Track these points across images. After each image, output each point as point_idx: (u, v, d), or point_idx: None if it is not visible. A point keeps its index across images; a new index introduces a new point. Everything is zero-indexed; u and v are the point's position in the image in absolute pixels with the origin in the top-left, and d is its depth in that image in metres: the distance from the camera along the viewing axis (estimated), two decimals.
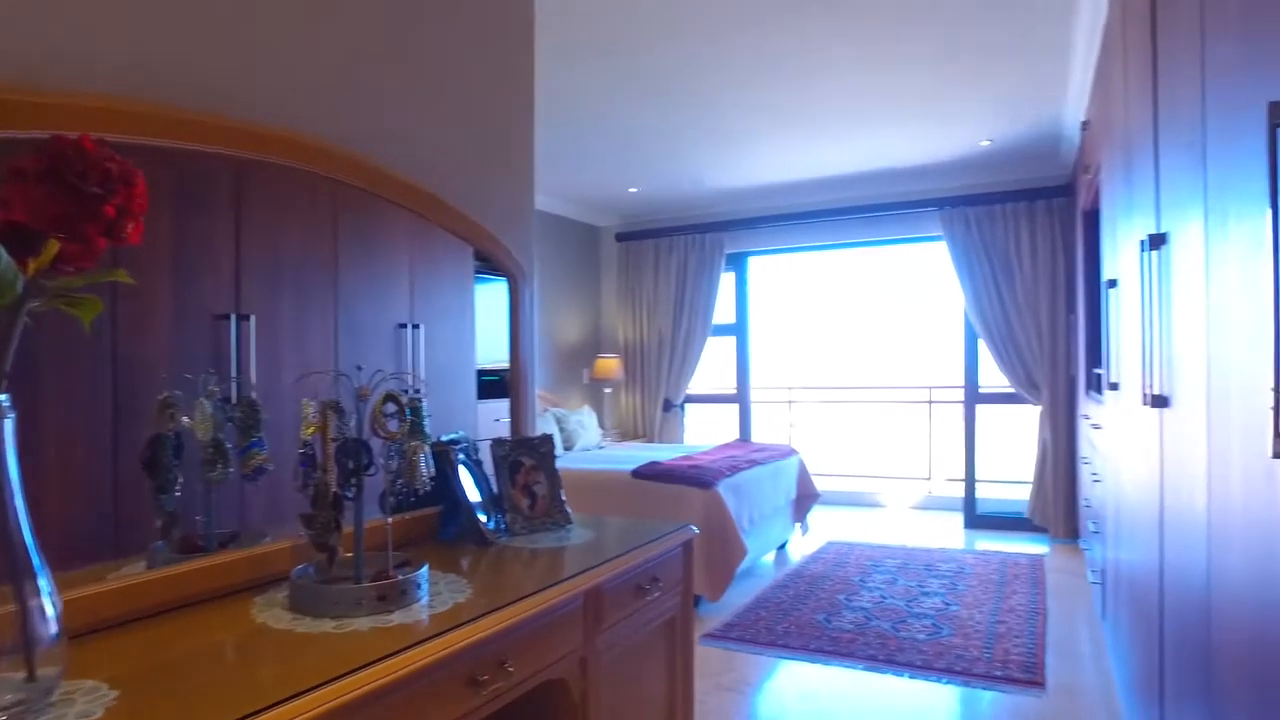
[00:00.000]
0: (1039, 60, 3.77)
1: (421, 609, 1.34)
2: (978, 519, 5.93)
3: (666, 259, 6.76)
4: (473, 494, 1.98)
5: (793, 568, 4.84)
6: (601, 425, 6.78)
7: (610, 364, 6.66)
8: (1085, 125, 3.96)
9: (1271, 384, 0.84)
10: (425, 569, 1.43)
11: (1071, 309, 5.25)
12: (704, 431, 8.00)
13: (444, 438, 2.04)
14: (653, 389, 6.81)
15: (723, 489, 4.13)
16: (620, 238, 6.99)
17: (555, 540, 1.97)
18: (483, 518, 1.95)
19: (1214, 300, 1.20)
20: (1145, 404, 1.81)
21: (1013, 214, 5.55)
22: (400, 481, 1.46)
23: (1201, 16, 1.27)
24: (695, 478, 4.12)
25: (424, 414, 1.53)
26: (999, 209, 5.59)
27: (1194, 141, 1.37)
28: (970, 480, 5.94)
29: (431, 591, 1.44)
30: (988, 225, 5.63)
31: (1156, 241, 1.76)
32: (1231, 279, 1.13)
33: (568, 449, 5.55)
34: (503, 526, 2.00)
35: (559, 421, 5.59)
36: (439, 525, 1.96)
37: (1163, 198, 1.72)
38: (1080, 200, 4.50)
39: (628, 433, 6.92)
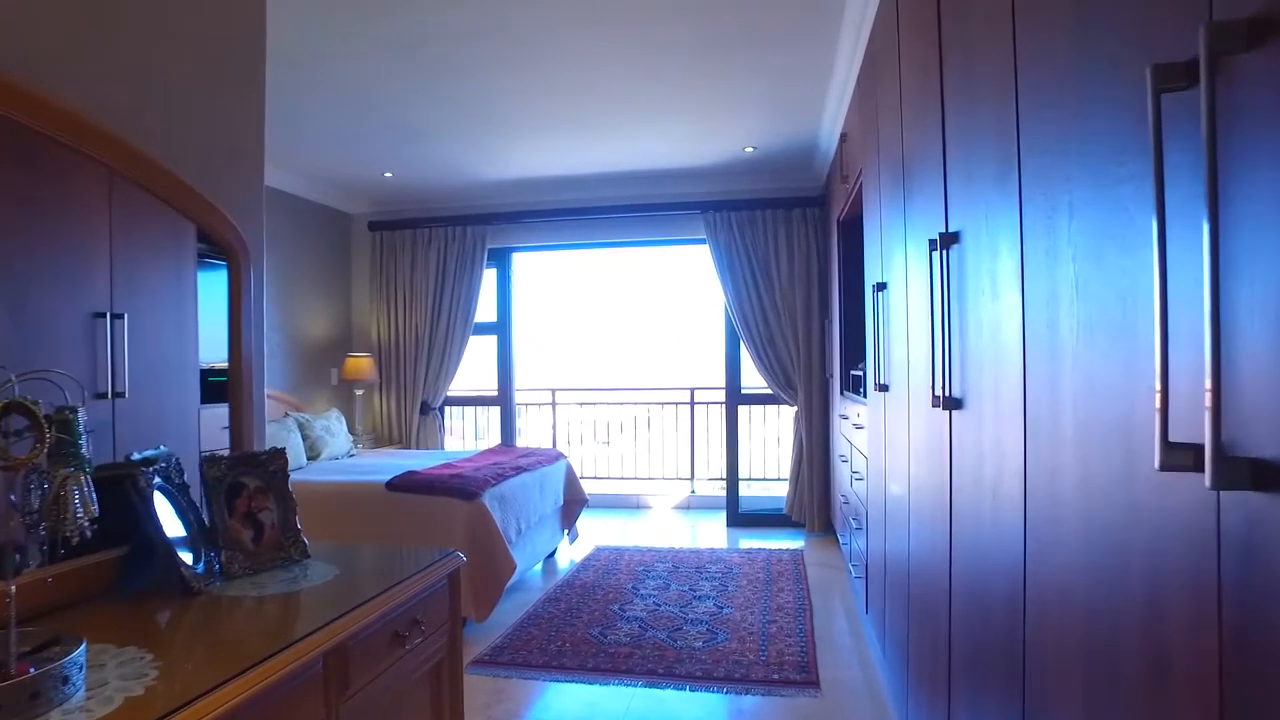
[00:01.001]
0: (801, 78, 3.84)
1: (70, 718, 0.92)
2: (740, 517, 6.06)
3: (425, 251, 6.27)
4: (173, 529, 1.52)
5: (563, 577, 4.62)
6: (353, 431, 6.16)
7: (362, 363, 6.05)
8: (844, 138, 4.11)
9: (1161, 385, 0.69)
10: (82, 650, 1.00)
11: (827, 314, 5.50)
12: (466, 436, 7.59)
13: (135, 456, 1.56)
14: (410, 391, 6.29)
15: (488, 500, 3.80)
16: (374, 226, 6.39)
17: (288, 582, 1.56)
18: (187, 558, 1.50)
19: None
20: (936, 406, 1.77)
21: (772, 220, 5.73)
22: (44, 526, 1.01)
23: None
24: (458, 488, 3.75)
25: (80, 431, 1.08)
26: (760, 215, 5.75)
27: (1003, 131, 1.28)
28: (732, 480, 6.06)
29: (93, 682, 1.00)
30: (749, 230, 5.77)
31: (947, 240, 1.72)
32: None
33: (312, 459, 4.92)
34: (217, 568, 1.56)
35: (302, 428, 4.94)
36: (122, 574, 1.48)
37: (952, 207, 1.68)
38: (836, 210, 4.69)
39: (382, 438, 6.35)
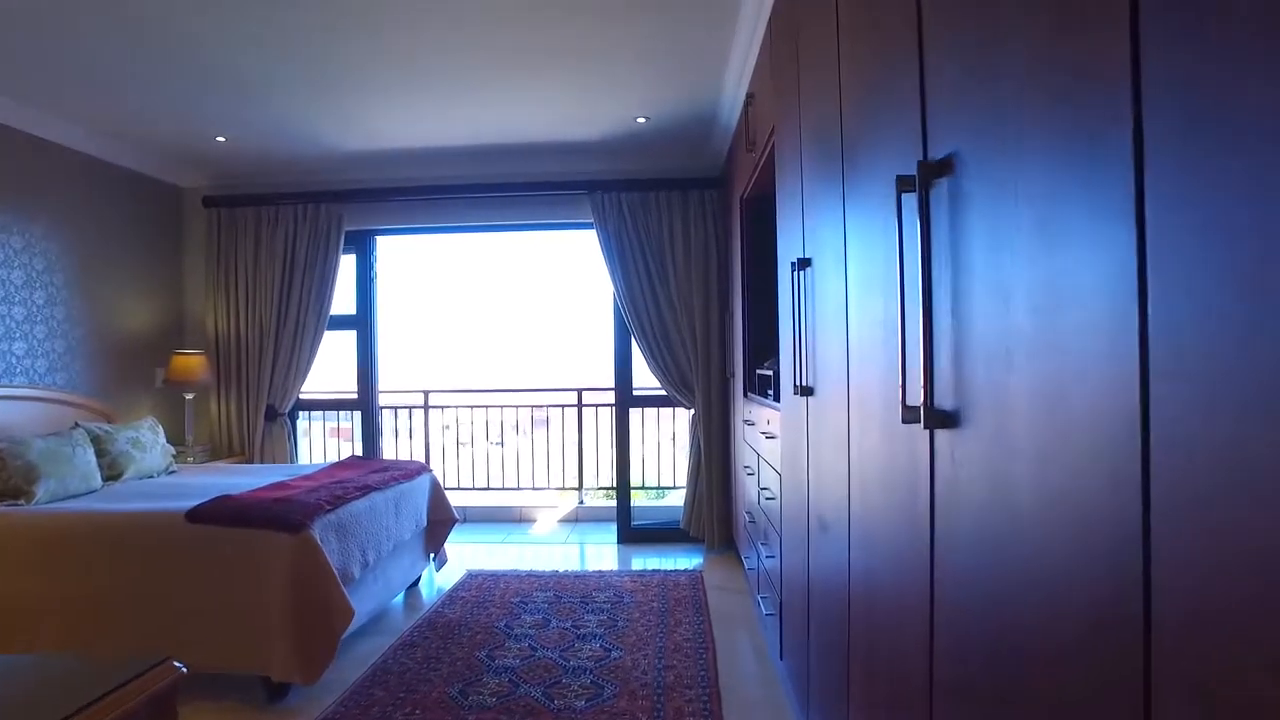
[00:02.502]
0: (700, 26, 3.28)
1: None
2: (633, 533, 5.47)
3: (271, 232, 5.40)
4: None
5: (425, 614, 3.91)
6: (181, 442, 5.23)
7: (191, 362, 5.14)
8: (750, 99, 3.58)
9: None
10: None
11: (728, 308, 4.98)
12: (324, 446, 6.72)
13: None
14: (252, 394, 5.41)
15: (320, 530, 3.06)
16: (209, 202, 5.47)
17: None
18: None
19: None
20: (911, 421, 1.22)
21: (667, 203, 5.17)
22: None
23: None
24: (279, 517, 3.00)
25: None
26: (653, 197, 5.18)
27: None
28: (623, 492, 5.47)
29: None
30: (641, 214, 5.19)
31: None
32: None
33: (113, 479, 4.03)
34: None
35: (97, 442, 4.03)
36: None
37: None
38: (739, 187, 4.17)
39: (220, 450, 5.44)
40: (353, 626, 3.38)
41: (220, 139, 4.77)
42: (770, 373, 3.28)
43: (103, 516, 3.17)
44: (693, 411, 5.21)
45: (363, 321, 5.68)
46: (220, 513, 3.05)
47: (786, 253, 2.57)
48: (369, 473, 4.06)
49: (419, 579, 4.48)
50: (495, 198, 5.42)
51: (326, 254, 5.38)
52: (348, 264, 5.63)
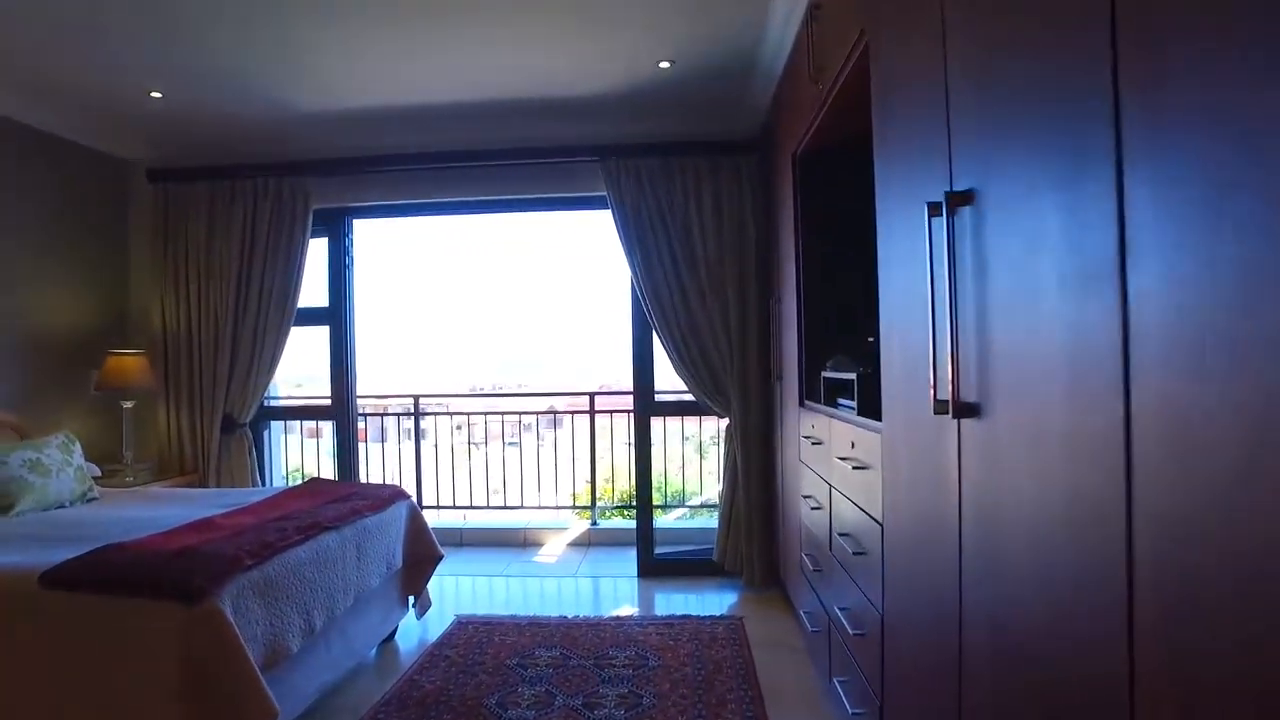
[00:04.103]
0: None
1: None
2: (654, 565, 4.60)
3: (226, 211, 4.57)
4: None
5: (397, 683, 3.06)
6: (118, 459, 4.41)
7: (129, 364, 4.31)
8: (815, 10, 2.71)
9: None
10: None
11: (772, 293, 4.11)
12: (302, 461, 5.89)
13: None
14: (206, 401, 4.58)
15: (233, 595, 2.21)
16: (154, 176, 4.65)
17: None
18: None
19: None
20: None
21: (694, 172, 4.30)
22: None
23: None
24: (172, 579, 2.15)
25: None
26: (677, 164, 4.31)
27: None
28: (644, 516, 4.60)
29: None
30: (663, 184, 4.33)
31: None
32: None
33: (1, 511, 3.20)
34: None
35: None
36: None
37: None
38: (791, 142, 3.30)
39: (170, 468, 4.62)
40: (296, 710, 2.55)
41: (155, 94, 3.94)
42: (848, 377, 2.41)
43: None
44: (727, 421, 4.34)
45: (336, 315, 4.83)
46: (89, 573, 2.21)
47: (906, 192, 1.70)
48: (326, 503, 3.22)
49: (395, 631, 3.64)
50: (489, 167, 4.57)
51: (292, 236, 4.54)
52: (318, 249, 4.79)
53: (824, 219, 3.19)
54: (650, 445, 4.61)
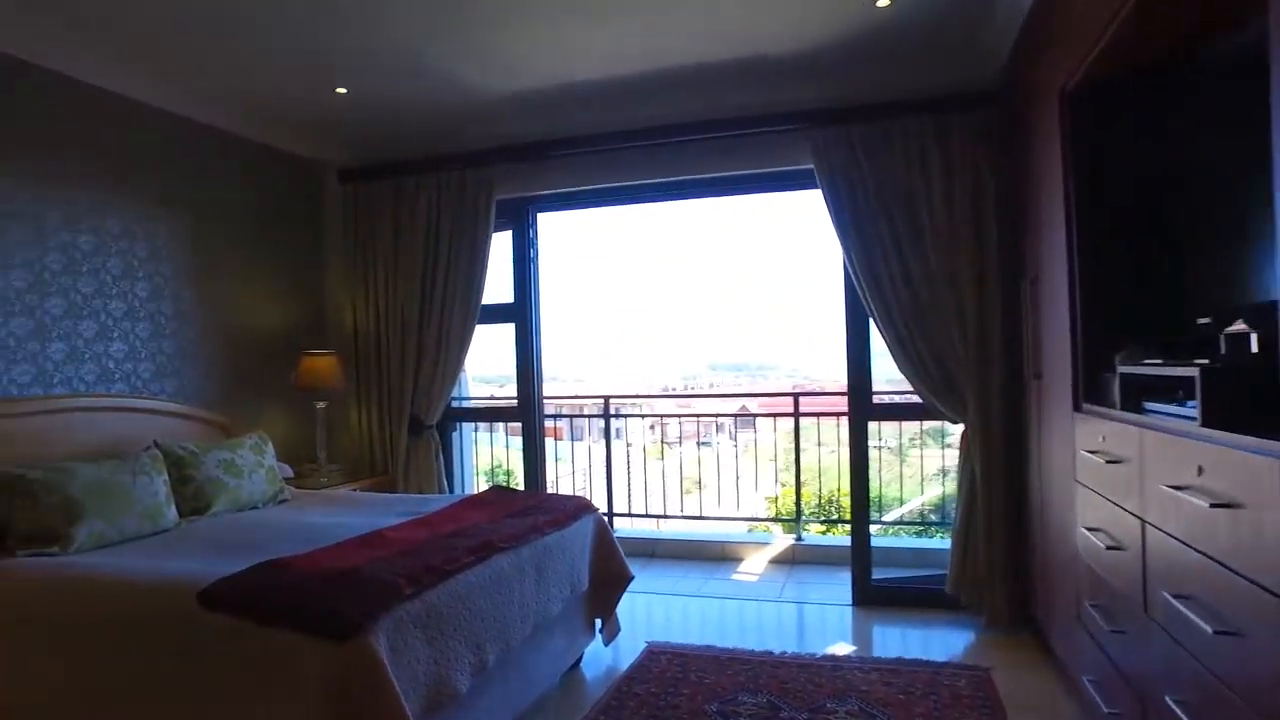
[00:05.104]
0: None
1: None
2: (873, 593, 3.97)
3: (410, 208, 4.45)
4: None
5: None
6: (313, 459, 4.40)
7: (322, 364, 4.27)
8: None
9: None
10: None
11: (1024, 274, 3.36)
12: (492, 459, 5.76)
13: None
14: (394, 402, 4.48)
15: (389, 631, 1.89)
16: (345, 177, 4.62)
17: None
18: None
19: None
20: None
21: (917, 134, 3.64)
22: None
23: None
24: (325, 610, 1.86)
25: None
26: (897, 127, 3.66)
27: None
28: (860, 534, 3.98)
29: None
30: (881, 151, 3.69)
31: None
32: None
33: (197, 512, 3.15)
34: None
35: (180, 465, 3.17)
36: None
37: None
38: (1061, 73, 2.59)
39: (363, 470, 4.57)
40: None
41: (340, 90, 3.84)
42: (1181, 372, 1.72)
43: (121, 584, 2.21)
44: (962, 428, 3.64)
45: (522, 312, 4.59)
46: (242, 595, 1.97)
47: None
48: (505, 516, 2.90)
49: (580, 659, 3.28)
50: (680, 144, 4.14)
51: (475, 230, 4.34)
52: (503, 244, 4.57)
53: (1107, 174, 2.47)
54: (869, 453, 3.98)
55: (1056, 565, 2.87)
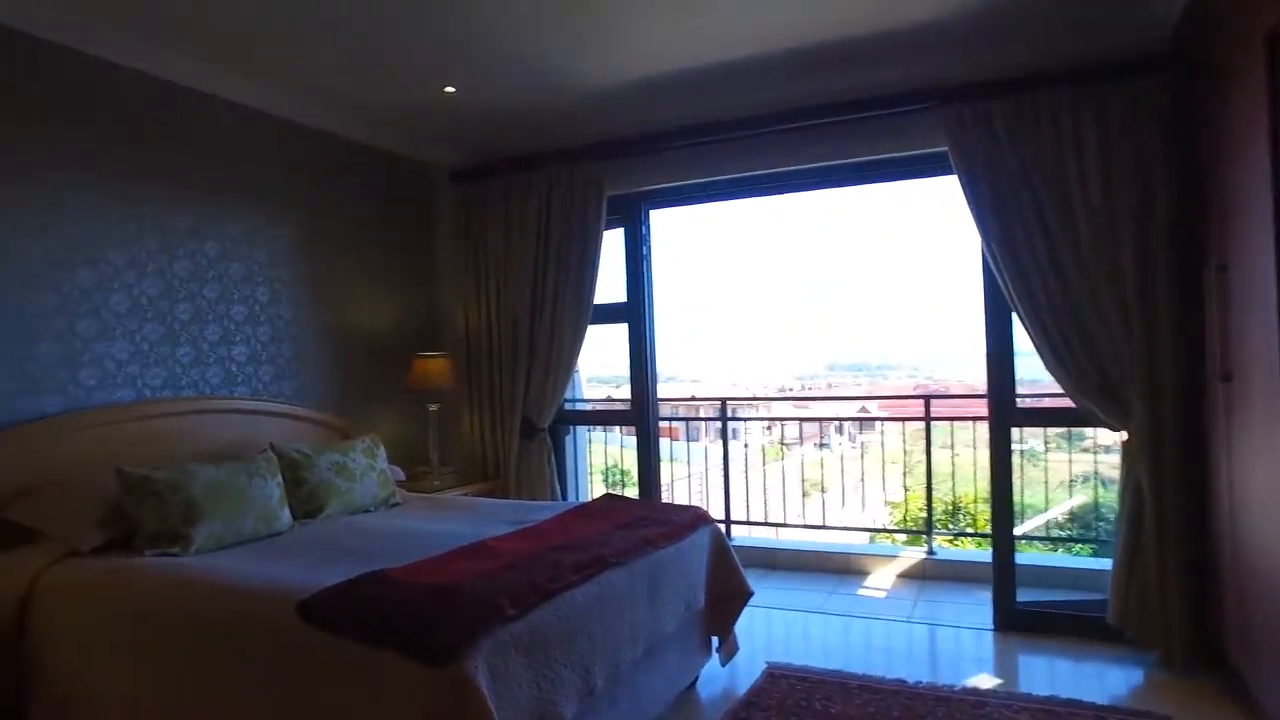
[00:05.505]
0: None
1: None
2: (1017, 616, 3.59)
3: (521, 207, 4.37)
4: None
5: None
6: (425, 461, 4.39)
7: (434, 366, 4.25)
8: None
9: None
10: None
11: (1205, 260, 2.93)
12: (604, 460, 5.65)
13: None
14: (506, 405, 4.42)
15: (489, 655, 1.76)
16: (457, 177, 4.60)
17: None
18: None
19: None
20: None
21: (1070, 107, 3.24)
22: None
23: None
24: (420, 630, 1.74)
25: None
26: (1045, 100, 3.29)
27: None
28: (1003, 550, 3.60)
29: None
30: (1027, 127, 3.32)
31: None
32: None
33: (310, 515, 3.14)
34: None
35: (292, 470, 3.17)
36: None
37: None
38: (1242, 31, 2.20)
39: (474, 473, 4.53)
40: None
41: (449, 89, 3.79)
42: None
43: (209, 587, 2.20)
44: (1123, 436, 3.23)
45: (635, 312, 4.44)
46: (340, 610, 1.88)
47: None
48: (616, 528, 2.74)
49: (696, 680, 3.08)
50: (799, 130, 3.88)
51: (585, 227, 4.22)
52: (614, 241, 4.44)
53: None
54: (1011, 462, 3.60)
55: (1258, 596, 2.46)
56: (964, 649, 3.45)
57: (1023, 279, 3.30)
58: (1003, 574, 3.59)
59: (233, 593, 2.15)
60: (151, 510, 2.65)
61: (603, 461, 5.82)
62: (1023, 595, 3.63)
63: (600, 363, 5.68)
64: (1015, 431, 3.65)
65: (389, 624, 1.78)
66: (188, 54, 3.33)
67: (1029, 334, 3.32)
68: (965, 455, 5.17)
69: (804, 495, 5.65)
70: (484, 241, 4.48)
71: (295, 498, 3.13)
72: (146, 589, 2.34)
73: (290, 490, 3.11)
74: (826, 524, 5.32)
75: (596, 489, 5.47)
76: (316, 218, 4.07)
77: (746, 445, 5.74)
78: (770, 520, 5.45)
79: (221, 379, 3.59)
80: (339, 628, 1.83)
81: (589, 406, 5.19)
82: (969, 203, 3.42)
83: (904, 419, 5.54)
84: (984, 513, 5.96)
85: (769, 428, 6.46)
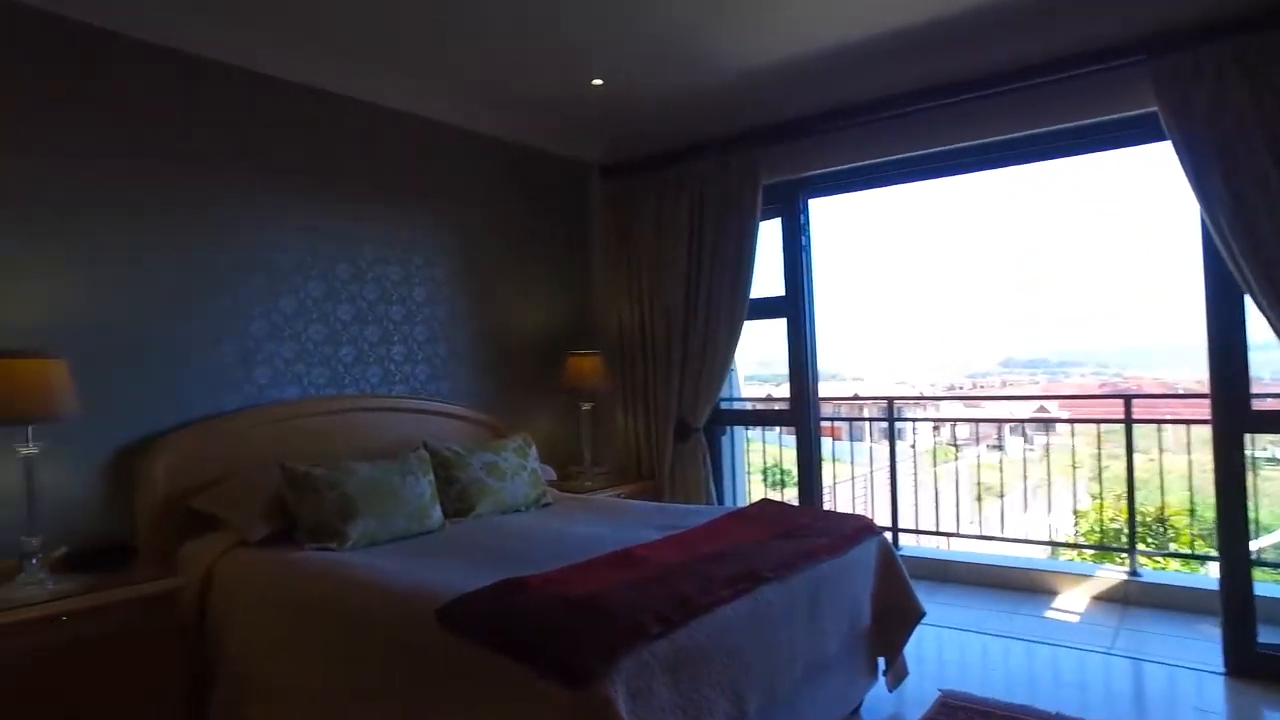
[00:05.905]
0: None
1: None
2: (1257, 659, 3.04)
3: (673, 199, 4.23)
4: None
5: None
6: (579, 461, 4.33)
7: (587, 365, 4.19)
8: None
9: None
10: None
11: None
12: (764, 461, 5.41)
13: None
14: (660, 404, 4.29)
15: (626, 678, 1.60)
16: (607, 173, 4.52)
17: None
18: None
19: None
20: None
21: None
22: None
23: None
24: (559, 646, 1.61)
25: None
26: None
27: None
28: (1236, 576, 3.07)
29: None
30: (1260, 75, 2.81)
31: None
32: None
33: (461, 514, 3.13)
34: None
35: (444, 468, 3.17)
36: None
37: None
38: None
39: (628, 473, 4.43)
40: None
41: (596, 81, 3.70)
42: None
43: (358, 585, 2.20)
44: None
45: (794, 306, 4.19)
46: (477, 618, 1.78)
47: None
48: (773, 538, 2.52)
49: (860, 705, 2.81)
50: (966, 102, 3.49)
51: (741, 219, 4.01)
52: (770, 232, 4.20)
53: None
54: (1244, 473, 3.06)
55: None
56: (1182, 694, 2.96)
57: (1256, 256, 2.79)
58: (1238, 606, 3.05)
59: (379, 593, 2.13)
60: (310, 506, 2.70)
61: (762, 460, 5.58)
62: (1265, 635, 3.07)
63: (758, 360, 5.45)
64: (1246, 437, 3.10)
65: (524, 638, 1.67)
66: (342, 58, 3.41)
67: (1268, 319, 2.80)
68: (1166, 462, 4.56)
69: (977, 499, 5.17)
70: (636, 237, 4.38)
71: (446, 496, 3.12)
72: (303, 584, 2.38)
73: (442, 489, 3.11)
74: (1004, 534, 4.82)
75: (755, 489, 5.24)
76: (470, 218, 4.10)
77: (914, 446, 5.33)
78: (941, 529, 5.02)
79: (380, 378, 3.67)
80: (474, 636, 1.74)
81: (747, 405, 4.98)
82: (1184, 166, 2.94)
83: (1094, 420, 4.94)
84: (1188, 527, 5.24)
85: (937, 428, 6.00)
